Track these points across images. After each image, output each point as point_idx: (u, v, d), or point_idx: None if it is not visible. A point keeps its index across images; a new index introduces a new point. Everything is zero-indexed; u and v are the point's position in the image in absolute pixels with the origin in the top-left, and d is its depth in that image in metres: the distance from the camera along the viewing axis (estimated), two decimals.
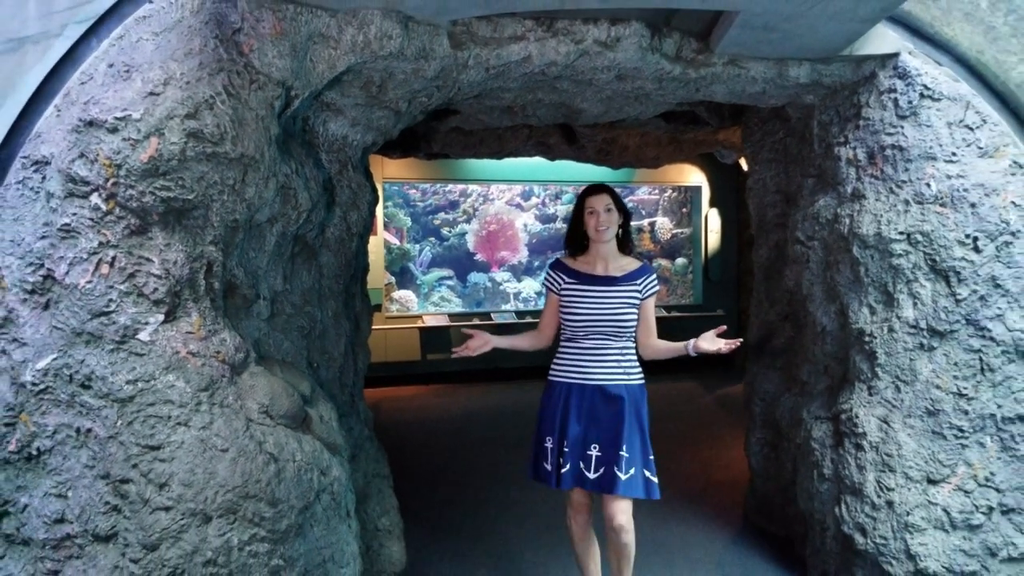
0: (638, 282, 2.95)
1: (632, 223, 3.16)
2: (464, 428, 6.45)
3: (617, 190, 3.09)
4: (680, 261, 9.82)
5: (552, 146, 6.42)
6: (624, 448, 2.81)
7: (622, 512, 2.82)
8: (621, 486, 2.78)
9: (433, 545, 3.86)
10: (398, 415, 6.84)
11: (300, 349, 2.89)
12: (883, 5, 2.47)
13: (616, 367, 2.91)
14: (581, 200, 3.02)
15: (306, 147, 2.90)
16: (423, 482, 4.92)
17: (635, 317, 2.94)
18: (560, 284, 3.00)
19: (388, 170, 8.25)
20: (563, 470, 2.86)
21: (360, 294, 3.70)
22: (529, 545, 3.86)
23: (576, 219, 3.04)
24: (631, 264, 3.02)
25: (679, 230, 9.79)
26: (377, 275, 8.06)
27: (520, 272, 9.34)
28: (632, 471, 2.80)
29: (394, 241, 8.83)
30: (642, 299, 2.95)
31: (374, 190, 3.44)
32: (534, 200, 9.43)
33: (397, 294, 8.78)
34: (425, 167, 8.46)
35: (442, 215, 9.13)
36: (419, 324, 8.51)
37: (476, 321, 8.71)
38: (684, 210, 9.82)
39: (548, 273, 3.09)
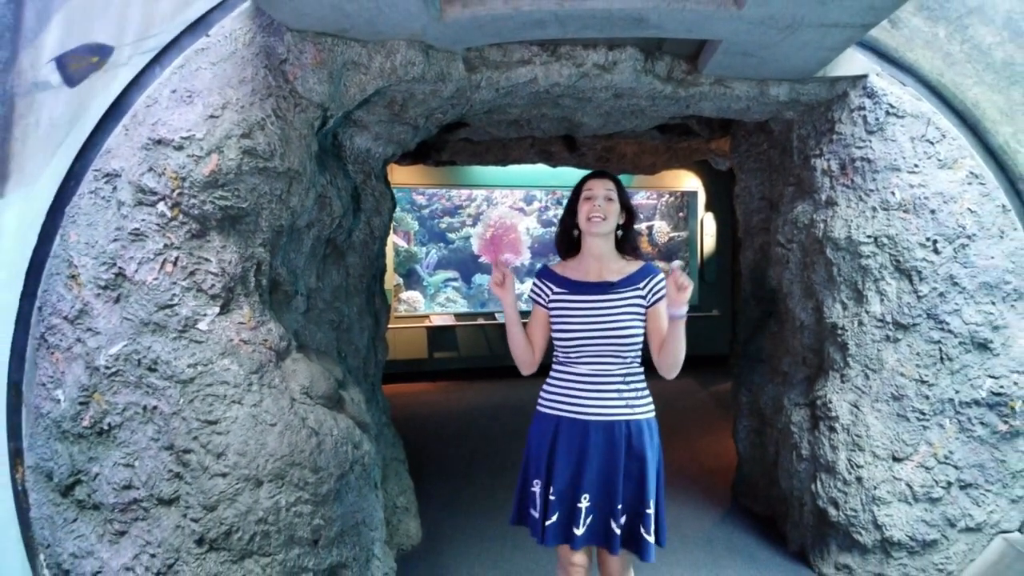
0: (640, 286, 2.42)
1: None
2: (471, 421, 6.79)
3: None
4: (677, 263, 10.16)
5: (554, 154, 6.78)
6: (620, 497, 2.35)
7: (622, 573, 2.46)
8: (618, 543, 2.36)
9: (446, 523, 4.19)
10: (409, 410, 7.19)
11: (331, 340, 3.23)
12: (846, 36, 2.81)
13: (617, 398, 2.38)
14: (579, 185, 2.55)
15: (336, 159, 3.24)
16: (435, 468, 5.25)
17: (640, 331, 2.40)
18: (547, 295, 2.51)
19: (397, 176, 8.59)
20: (548, 522, 2.38)
21: (379, 292, 4.04)
22: None
23: (570, 210, 2.54)
24: (630, 266, 2.50)
25: (676, 233, 10.14)
26: (386, 277, 8.40)
27: (523, 274, 9.69)
28: (633, 527, 2.38)
29: (402, 244, 9.17)
30: (648, 306, 2.41)
31: (393, 197, 3.79)
32: (536, 205, 9.78)
33: (405, 295, 9.13)
34: (432, 173, 8.81)
35: (448, 219, 9.47)
36: (426, 324, 8.86)
37: (481, 321, 9.06)
38: (681, 214, 10.16)
39: (534, 283, 2.59)
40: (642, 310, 2.41)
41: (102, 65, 2.61)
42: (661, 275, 2.46)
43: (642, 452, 2.37)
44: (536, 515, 2.42)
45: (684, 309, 2.25)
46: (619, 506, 2.34)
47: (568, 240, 2.58)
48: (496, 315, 9.15)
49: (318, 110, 2.75)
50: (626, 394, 2.40)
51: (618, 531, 2.34)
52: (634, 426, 2.38)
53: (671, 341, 2.31)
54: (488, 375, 8.85)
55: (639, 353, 2.43)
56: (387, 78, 2.91)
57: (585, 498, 2.35)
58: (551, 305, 2.49)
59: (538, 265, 9.70)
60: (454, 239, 9.47)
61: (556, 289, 2.50)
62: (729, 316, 9.72)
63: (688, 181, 9.80)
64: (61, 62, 2.52)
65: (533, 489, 2.44)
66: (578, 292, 2.46)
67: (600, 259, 2.50)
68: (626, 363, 2.41)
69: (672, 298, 2.24)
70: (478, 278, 9.55)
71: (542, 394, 2.51)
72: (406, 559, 3.66)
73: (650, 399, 2.46)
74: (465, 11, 2.67)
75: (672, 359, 2.33)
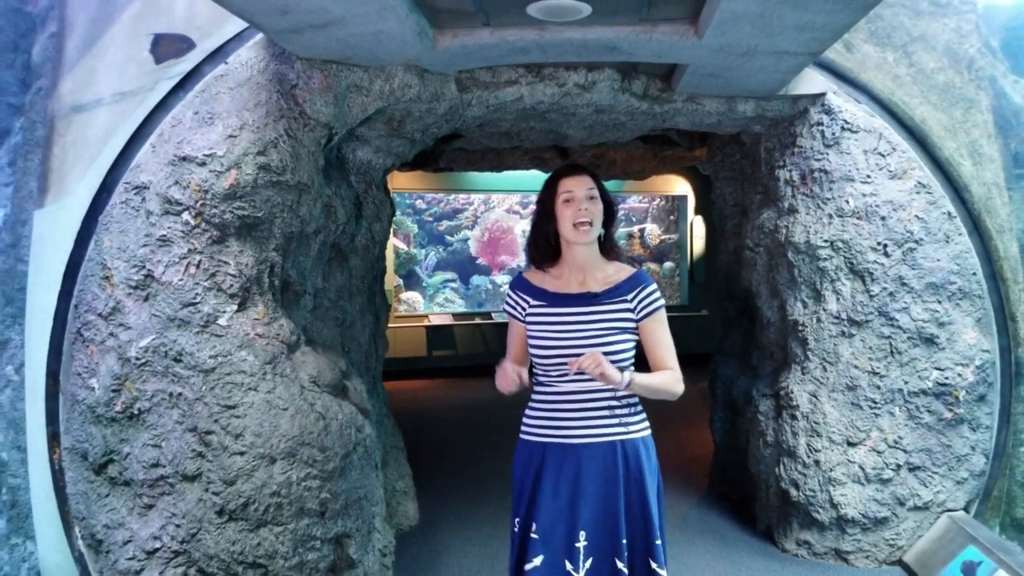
0: (628, 297, 2.17)
1: (622, 229, 2.49)
2: (467, 415, 7.12)
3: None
4: (668, 265, 10.49)
5: (546, 160, 7.09)
6: (624, 531, 2.10)
7: None
8: None
9: (441, 506, 4.51)
10: (408, 405, 7.52)
11: (335, 336, 3.56)
12: (797, 62, 3.13)
13: (609, 416, 2.14)
14: (552, 184, 2.23)
15: (340, 171, 3.57)
16: (433, 457, 5.58)
17: (630, 347, 2.15)
18: (524, 308, 2.24)
19: (397, 181, 8.92)
20: (529, 566, 2.07)
21: (379, 292, 4.36)
22: None
23: (543, 214, 2.24)
24: (618, 273, 2.23)
25: (667, 236, 10.46)
26: (387, 278, 8.73)
27: (513, 276, 10.03)
28: (643, 563, 2.13)
29: (402, 246, 9.50)
30: (637, 320, 2.16)
31: (392, 205, 4.11)
32: (531, 208, 10.11)
33: (405, 295, 9.46)
34: (431, 178, 9.14)
35: (446, 222, 9.80)
36: (425, 323, 9.20)
37: (478, 321, 9.38)
38: (671, 217, 10.49)
39: (508, 295, 2.32)
40: (632, 324, 2.15)
41: (183, 55, 2.94)
42: (653, 286, 2.21)
43: (641, 475, 2.13)
44: (511, 558, 2.16)
45: (624, 382, 2.05)
46: (623, 541, 2.08)
47: (546, 248, 2.26)
48: (493, 315, 9.47)
49: (324, 129, 3.07)
50: (618, 411, 2.14)
51: (625, 570, 2.08)
52: (630, 446, 2.13)
53: (645, 396, 2.18)
54: (485, 372, 9.10)
55: (630, 368, 2.13)
56: (386, 99, 3.23)
57: (582, 536, 2.06)
58: (528, 319, 2.22)
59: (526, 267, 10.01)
60: (452, 242, 9.80)
61: (533, 302, 2.23)
62: (717, 315, 10.04)
63: (678, 186, 10.13)
64: (156, 40, 2.90)
65: (514, 529, 2.18)
66: (557, 304, 2.19)
67: (584, 267, 2.22)
68: None
69: (601, 379, 2.04)
70: (475, 279, 9.88)
71: (525, 420, 2.24)
72: (404, 538, 3.98)
73: (644, 415, 2.22)
74: (456, 40, 2.99)
75: (655, 398, 2.17)
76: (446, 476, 5.13)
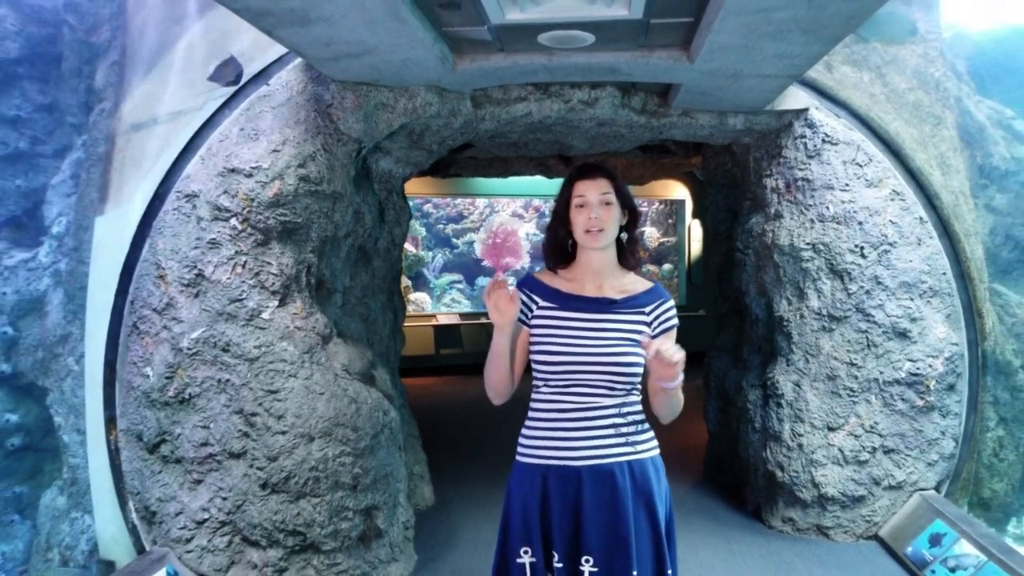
0: (646, 310, 2.05)
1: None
2: (475, 409, 7.48)
3: None
4: (667, 267, 10.86)
5: (550, 166, 7.44)
6: (635, 560, 1.94)
7: None
8: None
9: (453, 490, 4.86)
10: (419, 400, 7.84)
11: (361, 330, 3.90)
12: (779, 83, 3.48)
13: (614, 435, 1.99)
14: (566, 187, 2.12)
15: (366, 180, 3.92)
16: (445, 446, 5.93)
17: (641, 362, 2.00)
18: (531, 309, 2.10)
19: (406, 186, 9.28)
20: None
21: (397, 292, 4.71)
22: None
23: (560, 215, 2.13)
24: (636, 284, 2.12)
25: (665, 239, 10.82)
26: None
27: (523, 276, 10.38)
28: None
29: (411, 249, 9.86)
30: (651, 336, 2.02)
31: (410, 210, 4.47)
32: (534, 212, 10.46)
33: (413, 296, 9.81)
34: (439, 183, 9.48)
35: (453, 225, 10.16)
36: (433, 323, 9.55)
37: (483, 320, 9.73)
38: (670, 221, 10.85)
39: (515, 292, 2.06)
40: (646, 338, 1.98)
41: (237, 80, 3.28)
42: (671, 301, 2.11)
43: (651, 498, 1.98)
44: None
45: (676, 382, 1.86)
46: (634, 573, 1.92)
47: (561, 250, 2.15)
48: None
49: (355, 143, 3.42)
50: (623, 429, 1.99)
51: None
52: (637, 467, 1.99)
53: (664, 405, 1.98)
54: None
55: (638, 384, 2.03)
56: (409, 116, 3.58)
57: (587, 561, 1.93)
58: (534, 321, 2.07)
59: (537, 269, 10.37)
60: (459, 244, 10.16)
61: (542, 303, 2.09)
62: (714, 314, 10.40)
63: (676, 190, 10.48)
64: (219, 67, 3.22)
65: (520, 560, 1.99)
66: (570, 308, 2.05)
67: (600, 272, 2.10)
68: (622, 395, 2.01)
69: (659, 373, 1.84)
70: (481, 280, 10.23)
71: (522, 440, 2.07)
72: (421, 517, 4.32)
73: (652, 433, 2.08)
74: (473, 64, 3.34)
75: (666, 413, 2.01)
76: (458, 463, 5.48)
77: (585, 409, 1.99)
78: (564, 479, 1.97)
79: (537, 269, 2.28)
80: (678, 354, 1.79)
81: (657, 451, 2.09)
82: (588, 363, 1.97)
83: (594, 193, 2.08)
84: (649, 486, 2.00)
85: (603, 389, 1.99)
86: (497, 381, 2.09)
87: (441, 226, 10.11)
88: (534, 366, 2.07)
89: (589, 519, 1.95)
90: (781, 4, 2.48)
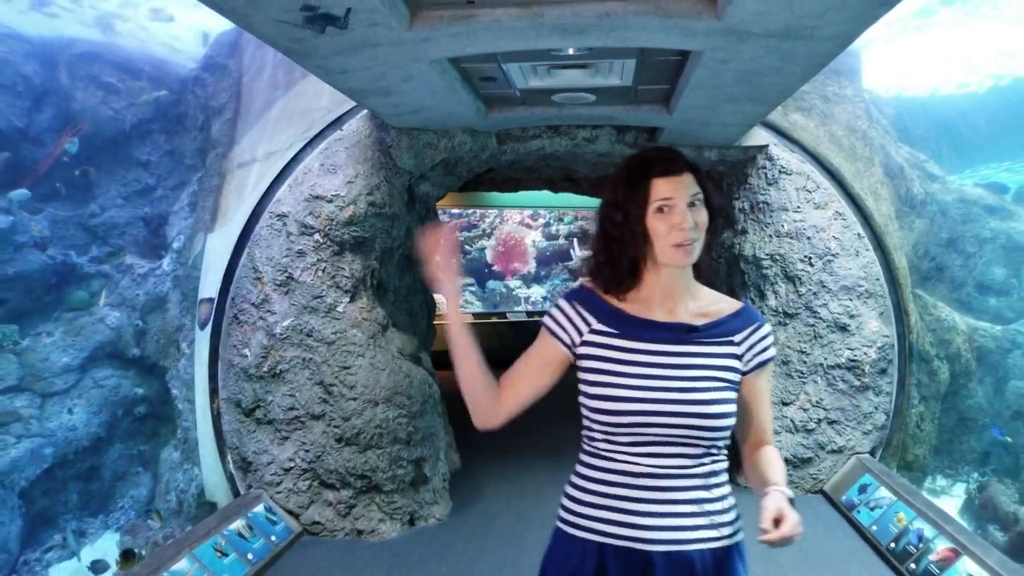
0: (736, 339, 1.63)
1: None
2: None
3: None
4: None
5: (556, 183, 8.40)
6: None
7: None
8: None
9: (478, 456, 5.79)
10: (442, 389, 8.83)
11: (407, 323, 4.85)
12: (741, 129, 4.43)
13: (698, 512, 1.57)
14: (639, 185, 1.57)
15: (411, 201, 4.87)
16: (466, 423, 6.85)
17: (734, 408, 1.59)
18: (580, 332, 1.66)
19: None
20: None
21: (430, 292, 5.66)
22: (547, 457, 5.80)
23: (631, 226, 1.59)
24: (718, 304, 1.69)
25: None
26: None
27: (529, 280, 11.33)
28: None
29: None
30: (744, 372, 1.62)
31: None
32: (540, 221, 11.42)
33: None
34: (452, 196, 10.43)
35: (465, 233, 11.12)
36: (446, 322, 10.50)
37: (494, 320, 10.69)
38: None
39: (560, 305, 1.71)
40: (737, 377, 1.61)
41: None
42: (768, 327, 1.68)
43: None
44: None
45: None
46: None
47: (628, 273, 1.64)
48: (507, 315, 10.77)
49: (407, 175, 4.38)
50: (708, 506, 1.57)
51: None
52: (724, 558, 1.58)
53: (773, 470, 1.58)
54: (502, 364, 10.39)
55: (726, 441, 1.60)
56: (448, 152, 4.53)
57: None
58: (582, 350, 1.65)
59: (543, 274, 11.36)
60: (471, 250, 11.11)
61: (596, 326, 1.64)
62: None
63: None
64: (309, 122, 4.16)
65: None
66: (636, 336, 1.60)
67: (675, 292, 1.64)
68: (709, 458, 1.58)
69: (769, 536, 1.44)
70: (491, 284, 11.19)
71: (568, 503, 1.66)
72: (452, 477, 5.25)
73: (738, 511, 1.63)
74: (500, 114, 4.29)
75: (759, 483, 1.58)
76: (478, 437, 6.39)
77: (662, 476, 1.55)
78: (630, 565, 1.54)
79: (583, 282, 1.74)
80: (798, 527, 1.42)
81: (742, 535, 1.63)
82: (665, 412, 1.54)
83: (683, 194, 1.57)
84: None
85: (686, 447, 1.55)
86: (469, 382, 1.78)
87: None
88: (586, 412, 1.63)
89: None
90: (730, 82, 3.43)
